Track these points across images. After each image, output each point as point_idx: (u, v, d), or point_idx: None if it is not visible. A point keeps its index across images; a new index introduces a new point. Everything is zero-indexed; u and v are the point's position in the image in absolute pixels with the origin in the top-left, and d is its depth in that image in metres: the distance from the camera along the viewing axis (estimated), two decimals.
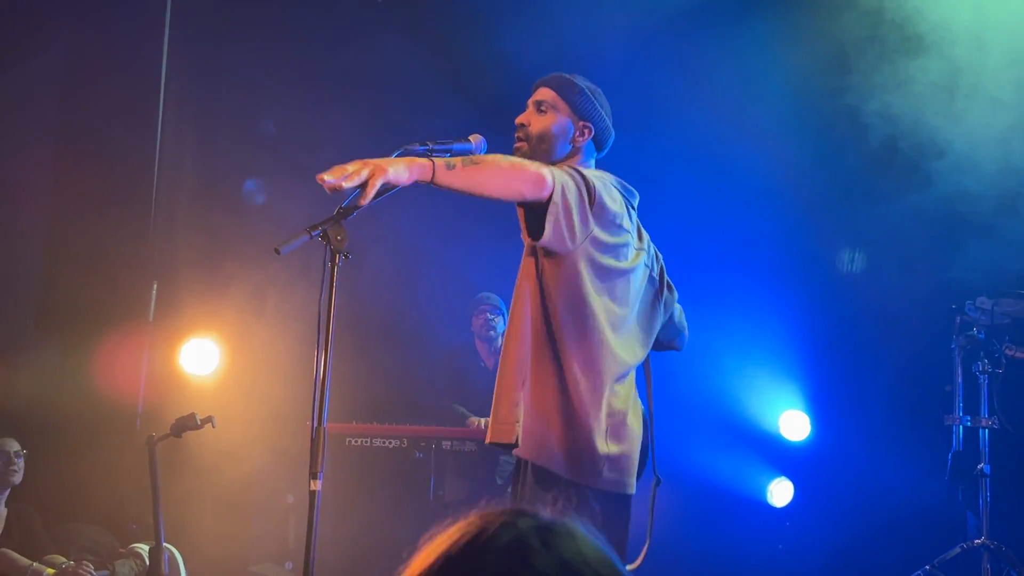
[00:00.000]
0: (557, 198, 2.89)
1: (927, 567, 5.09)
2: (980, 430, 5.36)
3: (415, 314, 6.31)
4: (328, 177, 2.59)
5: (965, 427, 5.46)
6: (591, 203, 2.97)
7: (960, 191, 5.94)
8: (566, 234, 2.93)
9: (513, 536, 1.07)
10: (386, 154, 2.95)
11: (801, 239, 6.51)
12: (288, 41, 6.39)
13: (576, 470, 3.01)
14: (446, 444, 5.40)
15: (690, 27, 6.13)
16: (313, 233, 2.75)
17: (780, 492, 6.51)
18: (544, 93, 3.26)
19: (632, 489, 3.13)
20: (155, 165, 6.11)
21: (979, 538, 5.20)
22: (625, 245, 3.11)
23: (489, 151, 3.14)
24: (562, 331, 3.02)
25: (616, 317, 3.09)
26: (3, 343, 5.79)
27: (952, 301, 5.47)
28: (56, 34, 6.07)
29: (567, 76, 3.28)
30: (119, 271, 5.97)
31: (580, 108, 3.24)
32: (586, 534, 1.11)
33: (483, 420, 5.64)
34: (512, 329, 3.09)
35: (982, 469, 5.31)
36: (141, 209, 6.07)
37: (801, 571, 6.12)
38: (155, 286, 6.11)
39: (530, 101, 3.29)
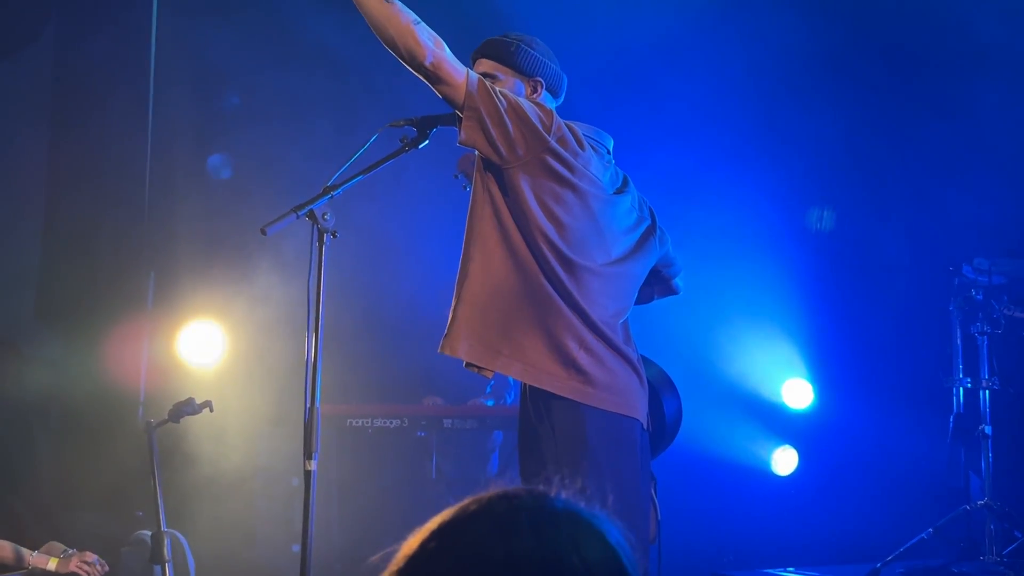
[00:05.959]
0: (476, 103, 2.85)
1: (931, 529, 5.10)
2: (980, 391, 5.35)
3: (413, 294, 6.29)
4: None
5: (965, 389, 5.46)
6: (547, 128, 2.93)
7: (954, 154, 5.92)
8: (500, 143, 2.89)
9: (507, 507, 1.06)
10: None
11: (802, 207, 6.50)
12: (279, 19, 6.35)
13: (548, 378, 2.96)
14: (447, 422, 5.41)
15: None
16: (299, 213, 2.76)
17: (784, 460, 6.52)
18: (483, 65, 3.18)
19: (636, 414, 3.06)
20: (147, 152, 6.08)
21: (982, 499, 5.21)
22: (595, 178, 3.05)
23: None
24: (534, 243, 2.95)
25: (597, 237, 3.04)
26: (3, 335, 5.80)
27: (949, 263, 5.45)
28: (46, 24, 6.04)
29: (499, 39, 3.20)
30: (116, 261, 5.96)
31: (523, 66, 3.16)
32: (592, 522, 1.07)
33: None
34: (469, 246, 3.04)
35: (983, 430, 5.31)
36: (135, 198, 6.05)
37: (806, 537, 6.13)
38: (152, 275, 6.11)
39: None
